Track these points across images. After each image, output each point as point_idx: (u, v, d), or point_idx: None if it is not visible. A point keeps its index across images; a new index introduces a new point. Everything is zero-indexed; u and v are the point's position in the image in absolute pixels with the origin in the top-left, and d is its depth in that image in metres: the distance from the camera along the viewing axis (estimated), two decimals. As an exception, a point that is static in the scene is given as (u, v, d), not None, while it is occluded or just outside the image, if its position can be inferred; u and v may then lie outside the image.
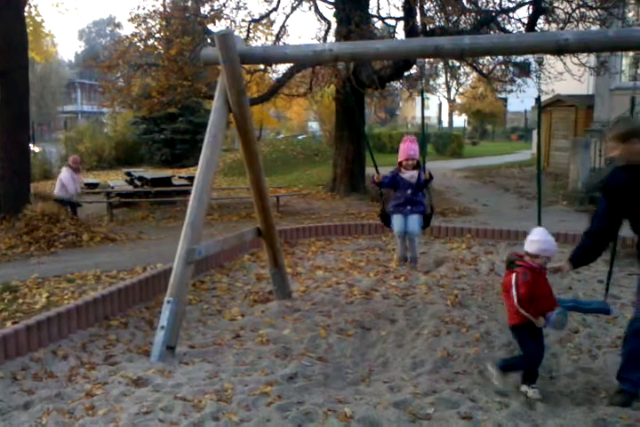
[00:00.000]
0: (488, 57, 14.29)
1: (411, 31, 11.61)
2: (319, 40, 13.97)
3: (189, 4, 12.80)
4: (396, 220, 5.98)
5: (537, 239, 3.90)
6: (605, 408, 3.73)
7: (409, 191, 5.74)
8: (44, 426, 3.50)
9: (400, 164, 5.80)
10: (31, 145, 15.63)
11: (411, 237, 6.37)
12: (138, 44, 12.71)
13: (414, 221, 5.82)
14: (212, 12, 12.65)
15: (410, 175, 5.71)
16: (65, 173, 10.89)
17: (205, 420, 3.49)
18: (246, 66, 11.61)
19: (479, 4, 12.15)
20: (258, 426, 3.41)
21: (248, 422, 3.48)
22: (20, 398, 3.88)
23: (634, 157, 3.72)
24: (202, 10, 12.78)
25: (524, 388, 3.93)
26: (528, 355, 3.93)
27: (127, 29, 79.89)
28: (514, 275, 3.85)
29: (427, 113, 55.11)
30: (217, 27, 12.77)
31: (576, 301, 5.07)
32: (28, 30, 11.09)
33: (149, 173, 16.55)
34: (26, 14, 11.47)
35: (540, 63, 4.76)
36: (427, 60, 13.84)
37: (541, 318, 3.82)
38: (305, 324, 5.38)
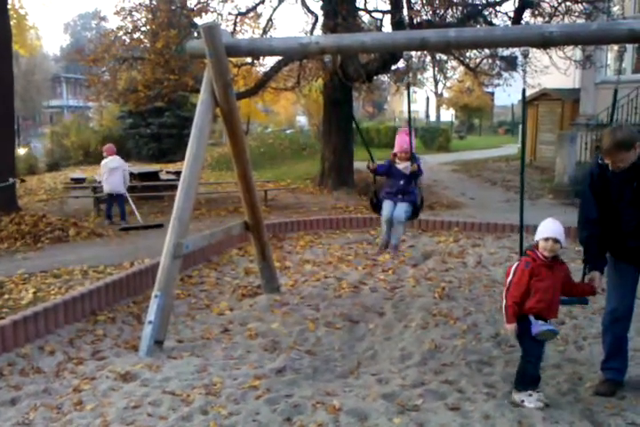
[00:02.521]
0: (475, 51, 14.32)
1: (398, 24, 11.59)
2: (306, 34, 13.92)
3: (176, -4, 12.69)
4: (386, 205, 5.97)
5: (540, 226, 3.84)
6: (591, 398, 3.78)
7: (402, 182, 5.77)
8: (31, 422, 3.49)
9: (395, 155, 5.84)
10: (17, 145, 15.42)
11: (396, 224, 6.35)
12: (123, 37, 12.57)
13: (402, 208, 5.82)
14: (199, 5, 12.54)
15: (404, 166, 5.77)
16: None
17: (194, 414, 3.49)
18: (233, 59, 11.55)
19: (466, -2, 12.15)
20: (247, 419, 3.42)
21: (237, 415, 3.48)
22: (7, 394, 3.87)
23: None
24: (188, 3, 12.67)
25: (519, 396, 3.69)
26: (526, 350, 3.78)
27: (113, 23, 78.98)
28: (515, 263, 3.83)
29: (414, 107, 55.17)
30: (203, 20, 12.66)
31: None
32: (11, 23, 10.97)
33: (136, 167, 16.45)
34: (9, 6, 11.35)
35: (525, 56, 4.78)
36: (414, 53, 13.89)
37: (510, 326, 3.71)
38: (293, 317, 5.39)
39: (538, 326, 3.64)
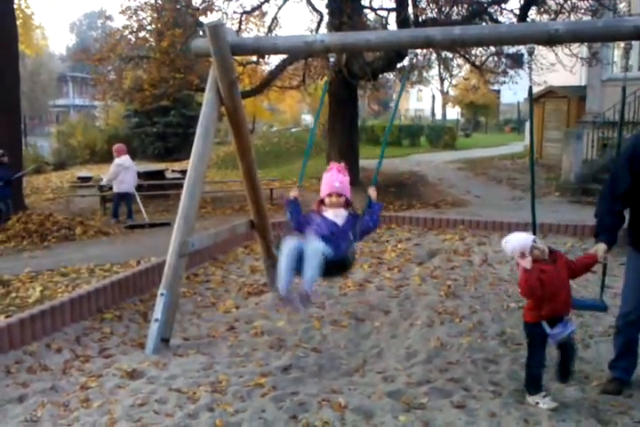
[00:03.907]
0: (481, 48, 14.28)
1: (403, 22, 11.58)
2: (311, 32, 13.92)
3: (181, -5, 12.72)
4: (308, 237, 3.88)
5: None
6: (597, 396, 3.76)
7: (328, 231, 3.80)
8: (39, 419, 3.51)
9: (321, 202, 3.99)
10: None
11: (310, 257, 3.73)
12: (129, 36, 12.63)
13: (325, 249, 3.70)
14: (204, 4, 12.57)
15: (335, 214, 3.90)
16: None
17: (200, 411, 3.50)
18: (238, 58, 11.57)
19: (471, -5, 12.12)
20: (253, 417, 3.43)
21: (243, 412, 3.49)
22: (15, 391, 3.89)
23: None
24: (193, 1, 12.72)
25: (533, 399, 3.65)
26: (531, 354, 3.71)
27: (118, 22, 79.44)
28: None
29: (420, 105, 55.19)
30: (209, 18, 12.70)
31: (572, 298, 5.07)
32: (17, 23, 11.01)
33: (142, 166, 16.49)
34: (15, 6, 11.39)
35: (530, 53, 4.74)
36: (419, 51, 13.85)
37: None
38: (299, 315, 5.38)
39: (555, 336, 3.55)
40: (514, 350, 4.55)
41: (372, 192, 4.18)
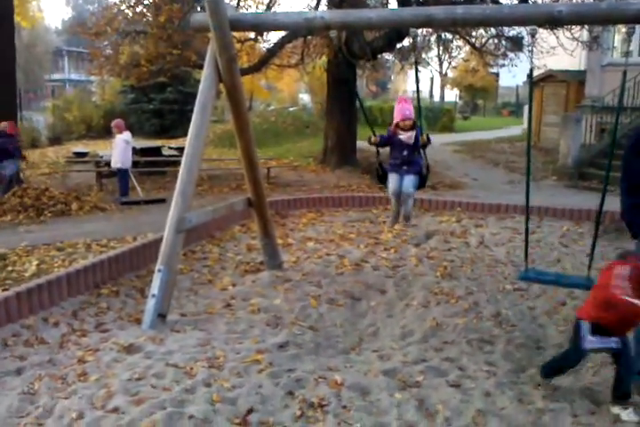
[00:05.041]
0: (481, 30, 14.18)
1: (404, 1, 11.46)
2: (310, 10, 13.75)
3: (179, -31, 12.51)
4: (392, 179, 5.89)
5: None
6: (592, 377, 3.81)
7: (405, 152, 5.65)
8: (36, 391, 3.52)
9: (397, 125, 5.54)
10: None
11: (405, 196, 6.28)
12: (126, 10, 12.44)
13: (410, 180, 5.75)
14: (203, -21, 12.40)
15: (407, 136, 5.60)
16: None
17: (197, 386, 3.52)
18: (237, 35, 11.42)
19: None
20: (250, 392, 3.45)
21: (240, 388, 3.51)
22: (12, 364, 3.90)
23: None
24: (191, -23, 12.51)
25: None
26: (567, 354, 3.62)
27: (115, -4, 78.19)
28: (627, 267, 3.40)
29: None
30: (207, -6, 12.50)
31: (557, 274, 5.13)
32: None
33: (138, 143, 16.39)
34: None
35: (533, 35, 4.71)
36: (419, 31, 13.74)
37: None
38: (296, 294, 5.41)
39: (590, 343, 3.38)
40: (509, 331, 4.58)
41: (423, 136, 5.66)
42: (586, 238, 7.37)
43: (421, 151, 5.88)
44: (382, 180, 6.13)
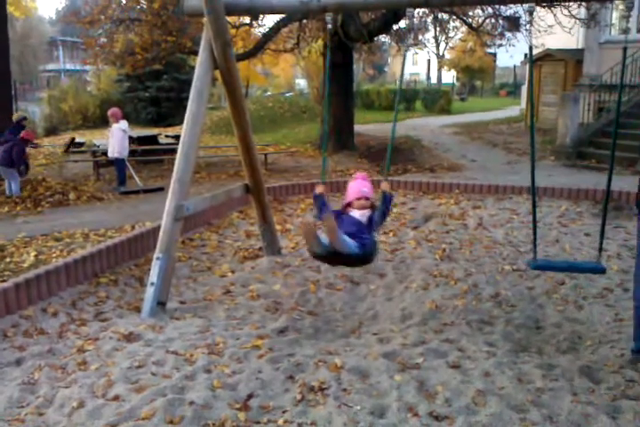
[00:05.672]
0: (478, 10, 14.05)
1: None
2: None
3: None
4: None
5: None
6: (590, 356, 3.81)
7: (354, 228, 4.14)
8: (36, 381, 3.53)
9: (349, 204, 4.29)
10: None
11: None
12: (119, -2, 12.36)
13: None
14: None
15: (360, 213, 4.25)
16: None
17: (197, 372, 3.53)
18: (231, 20, 11.34)
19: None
20: (250, 377, 3.46)
21: (240, 373, 3.52)
22: (12, 355, 3.90)
23: None
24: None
25: None
26: None
27: (108, -16, 77.41)
28: None
29: (415, 69, 54.48)
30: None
31: (568, 262, 5.10)
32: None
33: (135, 131, 16.33)
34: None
35: (531, 13, 4.63)
36: (416, 12, 13.59)
37: None
38: (295, 279, 5.41)
39: None
40: (508, 312, 4.59)
41: (386, 186, 4.37)
42: (584, 218, 7.37)
43: (374, 234, 4.29)
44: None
